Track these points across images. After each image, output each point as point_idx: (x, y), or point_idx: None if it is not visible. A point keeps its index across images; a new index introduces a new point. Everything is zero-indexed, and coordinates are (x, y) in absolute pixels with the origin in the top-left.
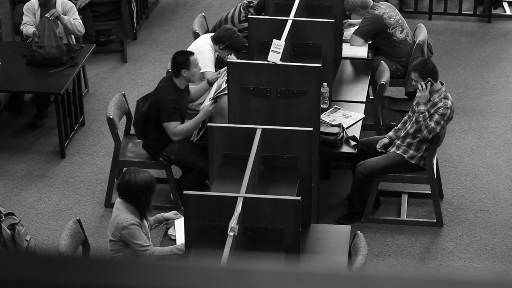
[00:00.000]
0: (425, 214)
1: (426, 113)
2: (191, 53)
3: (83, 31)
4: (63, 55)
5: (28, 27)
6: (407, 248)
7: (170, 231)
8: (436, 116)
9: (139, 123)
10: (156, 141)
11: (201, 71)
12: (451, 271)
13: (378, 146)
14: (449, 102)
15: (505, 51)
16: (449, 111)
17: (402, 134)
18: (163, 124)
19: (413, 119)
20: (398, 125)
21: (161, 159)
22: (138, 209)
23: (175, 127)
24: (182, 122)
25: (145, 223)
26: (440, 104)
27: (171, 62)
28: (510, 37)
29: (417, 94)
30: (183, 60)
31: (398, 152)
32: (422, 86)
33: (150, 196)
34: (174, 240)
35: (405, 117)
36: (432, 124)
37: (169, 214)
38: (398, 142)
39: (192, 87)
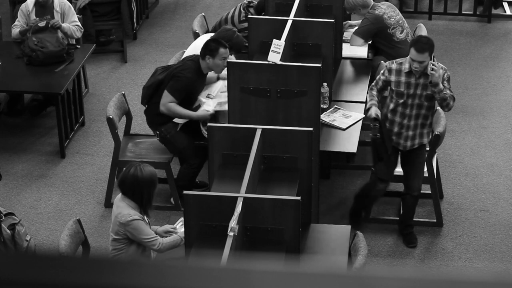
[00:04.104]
0: (425, 214)
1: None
2: (225, 46)
3: (80, 35)
4: (64, 52)
5: (14, 30)
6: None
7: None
8: (446, 84)
9: (150, 89)
10: (160, 113)
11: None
12: (451, 271)
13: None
14: (440, 64)
15: (505, 51)
16: (448, 71)
17: (410, 123)
18: (165, 90)
19: (415, 102)
20: (374, 93)
21: (157, 132)
22: (140, 205)
23: (170, 102)
24: (192, 104)
25: (147, 219)
26: (441, 72)
27: (204, 44)
28: (510, 37)
29: (432, 74)
30: (213, 47)
31: (423, 143)
32: (435, 66)
33: (153, 191)
34: None
35: (374, 99)
36: (450, 92)
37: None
38: (410, 133)
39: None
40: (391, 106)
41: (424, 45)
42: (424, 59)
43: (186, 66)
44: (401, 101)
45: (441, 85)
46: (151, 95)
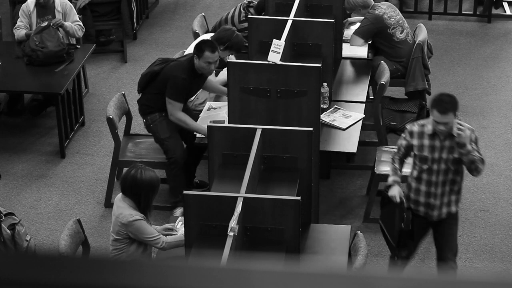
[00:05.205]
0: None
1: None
2: (213, 50)
3: (81, 34)
4: (64, 52)
5: (19, 31)
6: None
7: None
8: (474, 145)
9: (146, 78)
10: (150, 103)
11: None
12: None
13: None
14: (466, 125)
15: (505, 51)
16: (474, 131)
17: (437, 191)
18: (167, 98)
19: (441, 167)
20: (396, 165)
21: (144, 121)
22: (138, 206)
23: (179, 111)
24: (186, 101)
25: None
26: (467, 132)
27: (197, 42)
28: (510, 37)
29: (459, 135)
30: (200, 48)
31: (451, 212)
32: (462, 126)
33: (152, 196)
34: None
35: (394, 164)
36: (479, 155)
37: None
38: (437, 203)
39: (212, 81)
40: (415, 173)
41: (446, 105)
42: (449, 120)
43: (180, 66)
44: (425, 167)
45: (469, 146)
46: (145, 85)
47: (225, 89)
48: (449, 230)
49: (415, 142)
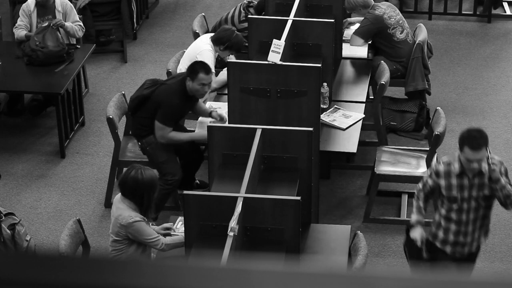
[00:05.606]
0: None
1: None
2: (207, 72)
3: (81, 34)
4: (64, 52)
5: (19, 31)
6: None
7: (178, 226)
8: (504, 178)
9: (135, 101)
10: (143, 126)
11: None
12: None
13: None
14: (496, 157)
15: (505, 51)
16: (504, 163)
17: (467, 229)
18: (156, 122)
19: (472, 205)
20: (420, 204)
21: (139, 143)
22: (140, 207)
23: (169, 133)
24: (177, 124)
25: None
26: (497, 168)
27: (190, 64)
28: (510, 37)
29: (493, 170)
30: (194, 70)
31: (480, 244)
32: (494, 159)
33: (153, 195)
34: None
35: (418, 202)
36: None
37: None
38: (468, 240)
39: (198, 103)
40: (443, 212)
41: (479, 140)
42: (482, 156)
43: (172, 90)
44: (455, 206)
45: (502, 180)
46: (135, 108)
47: (209, 109)
48: (470, 267)
49: (442, 182)
